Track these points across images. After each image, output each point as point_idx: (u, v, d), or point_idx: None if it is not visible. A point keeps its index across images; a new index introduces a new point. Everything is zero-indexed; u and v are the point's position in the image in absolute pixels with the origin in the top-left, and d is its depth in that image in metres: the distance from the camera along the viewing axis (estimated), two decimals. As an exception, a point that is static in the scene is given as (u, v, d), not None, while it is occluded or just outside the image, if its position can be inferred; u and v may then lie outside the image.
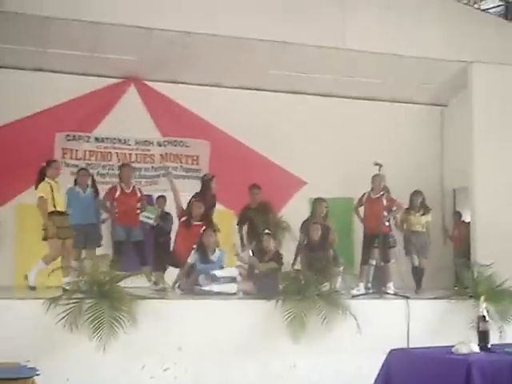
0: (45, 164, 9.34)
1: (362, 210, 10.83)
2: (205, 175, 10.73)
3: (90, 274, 7.43)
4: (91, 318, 6.91)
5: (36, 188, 9.07)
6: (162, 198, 11.00)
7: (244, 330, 7.66)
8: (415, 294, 10.09)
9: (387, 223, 10.22)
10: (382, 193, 10.24)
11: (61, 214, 9.03)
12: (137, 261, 9.87)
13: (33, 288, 8.55)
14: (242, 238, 10.59)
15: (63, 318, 6.88)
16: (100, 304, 7.01)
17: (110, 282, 7.34)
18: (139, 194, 10.26)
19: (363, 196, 10.64)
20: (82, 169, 10.67)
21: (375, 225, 10.03)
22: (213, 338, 7.50)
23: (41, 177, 9.13)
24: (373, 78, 12.35)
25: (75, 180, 10.20)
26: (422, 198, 10.95)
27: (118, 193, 10.07)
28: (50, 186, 8.97)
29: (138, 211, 10.26)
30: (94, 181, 10.40)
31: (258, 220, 10.27)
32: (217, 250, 9.24)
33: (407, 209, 10.92)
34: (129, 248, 9.98)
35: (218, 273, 8.75)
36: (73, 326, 6.87)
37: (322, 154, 12.29)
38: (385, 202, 10.13)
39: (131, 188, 10.21)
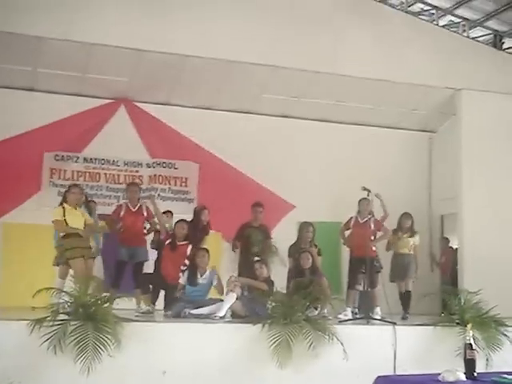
0: (67, 188, 9.45)
1: (347, 233, 10.84)
2: (196, 207, 10.67)
3: (75, 296, 7.37)
4: (76, 341, 6.84)
5: None
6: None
7: (230, 354, 7.60)
8: (402, 319, 10.04)
9: (374, 247, 10.22)
10: (369, 217, 10.25)
11: (76, 235, 8.88)
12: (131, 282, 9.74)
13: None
14: (234, 245, 10.52)
15: (47, 339, 6.81)
16: (85, 326, 6.95)
17: (95, 304, 7.28)
18: (146, 214, 9.98)
19: (350, 220, 10.64)
20: (74, 185, 10.39)
21: (362, 249, 10.03)
22: (198, 362, 7.43)
23: (62, 200, 9.18)
24: (363, 103, 12.44)
25: (64, 197, 9.83)
26: (411, 221, 10.92)
27: (123, 212, 9.86)
28: (63, 210, 8.94)
29: (145, 231, 10.11)
30: (87, 198, 10.24)
31: (255, 240, 10.26)
32: (207, 271, 9.19)
33: (395, 230, 10.88)
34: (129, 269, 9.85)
35: (194, 311, 8.65)
36: (57, 349, 6.79)
37: (312, 178, 12.32)
38: (372, 226, 10.14)
39: (137, 207, 9.96)
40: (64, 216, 8.91)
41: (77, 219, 9.00)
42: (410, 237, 10.85)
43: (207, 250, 9.39)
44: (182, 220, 9.82)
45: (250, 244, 10.24)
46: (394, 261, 10.88)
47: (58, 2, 9.76)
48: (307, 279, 9.35)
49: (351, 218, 10.64)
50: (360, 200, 10.33)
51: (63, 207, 9.00)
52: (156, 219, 10.05)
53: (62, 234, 8.93)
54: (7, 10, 9.53)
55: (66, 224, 8.86)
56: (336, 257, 12.10)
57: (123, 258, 9.67)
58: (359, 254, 10.18)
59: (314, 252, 10.07)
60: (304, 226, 10.35)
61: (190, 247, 9.56)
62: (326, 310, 9.35)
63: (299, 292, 8.47)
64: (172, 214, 10.65)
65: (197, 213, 10.22)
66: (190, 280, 9.07)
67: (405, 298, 10.62)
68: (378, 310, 9.97)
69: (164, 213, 10.56)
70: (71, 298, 7.34)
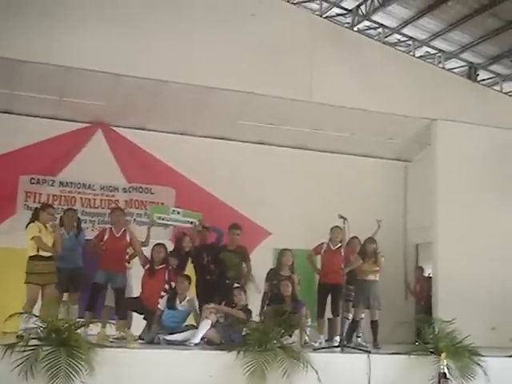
0: (39, 207, 9.35)
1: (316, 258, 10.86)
2: (177, 234, 10.60)
3: (48, 321, 7.28)
4: (48, 366, 6.75)
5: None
6: None
7: (204, 381, 7.55)
8: (373, 347, 10.00)
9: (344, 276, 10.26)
10: (339, 244, 10.29)
11: (43, 258, 8.83)
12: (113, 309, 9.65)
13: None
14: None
15: (19, 365, 6.71)
16: (57, 352, 6.86)
17: (68, 329, 7.19)
18: (128, 240, 9.78)
19: (321, 245, 10.67)
20: (70, 209, 10.39)
21: (333, 276, 10.11)
22: (171, 389, 7.37)
23: (32, 219, 9.05)
24: (339, 131, 12.54)
25: (61, 220, 9.79)
26: (375, 245, 10.74)
27: (106, 236, 9.72)
28: (39, 229, 8.86)
29: (127, 257, 9.95)
30: (79, 222, 10.08)
31: (231, 263, 10.13)
32: (187, 298, 9.14)
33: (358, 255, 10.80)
34: (106, 293, 9.74)
35: (169, 337, 8.59)
36: (28, 374, 6.70)
37: (288, 204, 12.36)
38: (343, 253, 10.19)
39: (121, 232, 9.80)
40: (40, 233, 8.81)
41: (48, 238, 8.91)
42: (375, 262, 10.69)
43: (188, 277, 9.35)
44: (158, 244, 9.76)
45: (226, 268, 10.13)
46: (358, 287, 10.70)
47: (36, 26, 9.74)
48: (285, 306, 9.31)
49: (322, 243, 10.68)
50: (332, 228, 10.38)
51: (39, 226, 8.89)
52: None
53: (30, 255, 8.80)
54: (-16, 33, 9.53)
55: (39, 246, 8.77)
56: (310, 284, 12.07)
57: (99, 280, 9.52)
58: (330, 280, 10.24)
59: (295, 279, 10.04)
60: (283, 253, 10.30)
61: (167, 270, 9.51)
62: (306, 338, 9.32)
63: (275, 319, 8.44)
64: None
65: (178, 240, 10.18)
66: (169, 304, 9.03)
67: (372, 327, 10.53)
68: (336, 338, 9.91)
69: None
70: (43, 323, 7.25)
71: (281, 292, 9.64)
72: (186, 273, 9.84)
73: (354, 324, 10.59)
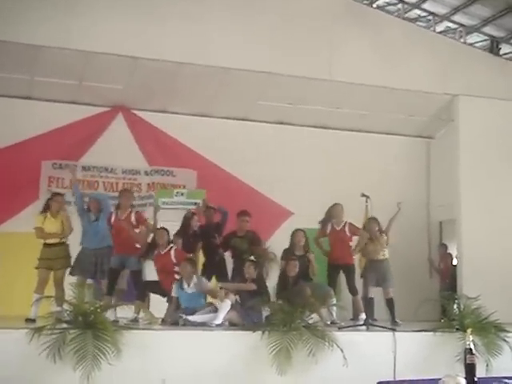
0: (50, 197, 9.74)
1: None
2: (186, 213, 10.60)
3: (74, 304, 7.35)
4: (75, 349, 6.83)
5: None
6: None
7: (229, 362, 7.59)
8: (392, 325, 9.88)
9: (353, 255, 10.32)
10: (344, 223, 10.32)
11: (51, 245, 9.30)
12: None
13: (32, 320, 8.39)
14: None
15: (47, 348, 6.79)
16: (84, 334, 6.94)
17: (94, 313, 7.26)
18: (134, 220, 9.77)
19: (324, 227, 10.59)
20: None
21: (341, 256, 10.18)
22: (197, 370, 7.42)
23: (44, 209, 9.54)
24: (360, 109, 12.44)
25: (88, 205, 9.99)
26: (378, 224, 10.57)
27: (112, 219, 9.76)
28: (44, 218, 9.35)
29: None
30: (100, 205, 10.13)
31: (243, 249, 10.13)
32: (194, 280, 9.14)
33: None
34: (124, 277, 9.78)
35: (191, 317, 8.62)
36: (56, 357, 6.79)
37: (309, 184, 12.30)
38: (347, 232, 10.20)
39: (126, 214, 9.79)
40: (43, 224, 9.32)
41: (54, 227, 9.34)
42: (380, 242, 10.51)
43: (191, 260, 9.35)
44: (160, 228, 9.71)
45: (238, 254, 10.12)
46: (368, 267, 10.26)
47: (55, 11, 9.76)
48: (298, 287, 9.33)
49: (326, 224, 10.59)
50: (333, 206, 10.41)
51: (45, 215, 9.38)
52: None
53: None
54: (3, 19, 9.54)
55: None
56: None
57: (113, 265, 9.56)
58: (338, 261, 10.30)
59: (312, 257, 10.03)
60: (295, 233, 10.25)
61: (172, 251, 9.50)
62: (334, 317, 9.32)
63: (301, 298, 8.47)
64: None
65: (185, 219, 10.18)
66: (178, 291, 9.07)
67: (388, 305, 10.46)
68: (362, 315, 9.88)
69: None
70: (70, 306, 7.33)
71: (287, 272, 9.61)
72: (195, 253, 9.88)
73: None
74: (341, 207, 10.19)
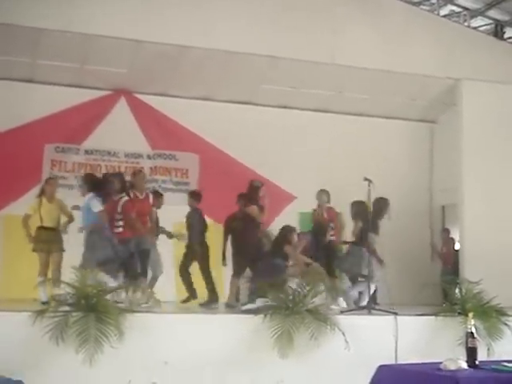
0: (44, 181, 9.74)
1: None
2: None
3: (77, 287, 7.37)
4: (78, 331, 6.85)
5: None
6: None
7: (231, 345, 7.61)
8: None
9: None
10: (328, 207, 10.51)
11: (47, 229, 9.29)
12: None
13: (45, 303, 8.38)
14: (224, 251, 10.24)
15: (49, 330, 6.82)
16: (87, 317, 6.95)
17: (97, 295, 7.28)
18: (151, 200, 9.77)
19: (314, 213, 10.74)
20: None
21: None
22: (199, 353, 7.44)
23: (40, 193, 9.48)
24: (362, 93, 12.43)
25: None
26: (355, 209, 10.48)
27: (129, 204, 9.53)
28: (39, 203, 9.32)
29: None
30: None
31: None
32: None
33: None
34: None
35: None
36: (59, 339, 6.80)
37: (312, 168, 12.31)
38: (325, 215, 10.40)
39: (144, 194, 9.69)
40: (39, 209, 9.30)
41: (51, 212, 9.34)
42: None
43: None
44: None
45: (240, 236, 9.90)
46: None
47: (56, -6, 9.75)
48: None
49: (314, 210, 10.76)
50: (318, 192, 10.55)
51: (40, 200, 9.35)
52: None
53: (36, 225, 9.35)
54: (5, 2, 9.51)
55: (41, 219, 9.26)
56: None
57: (132, 250, 9.33)
58: None
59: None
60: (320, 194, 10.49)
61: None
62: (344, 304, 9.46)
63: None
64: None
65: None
66: None
67: None
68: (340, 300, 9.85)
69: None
70: (73, 289, 7.35)
71: None
72: None
73: None
74: (326, 192, 10.56)
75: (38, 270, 9.09)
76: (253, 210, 9.53)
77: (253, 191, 9.77)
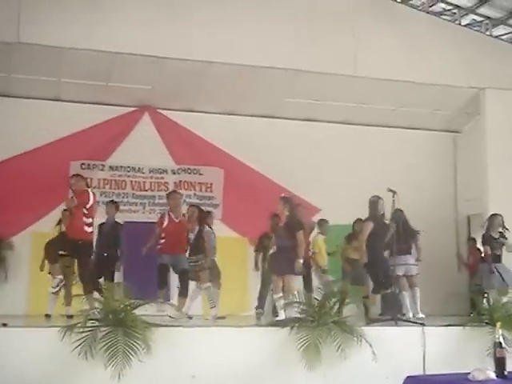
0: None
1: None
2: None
3: (104, 302, 7.43)
4: (106, 346, 6.90)
5: None
6: None
7: (258, 357, 7.60)
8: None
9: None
10: None
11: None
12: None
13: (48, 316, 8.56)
14: (256, 264, 10.58)
15: (78, 345, 6.87)
16: (115, 332, 7.00)
17: (124, 310, 7.33)
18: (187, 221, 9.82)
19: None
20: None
21: None
22: (227, 366, 7.44)
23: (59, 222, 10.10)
24: (385, 104, 12.43)
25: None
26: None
27: (165, 222, 9.69)
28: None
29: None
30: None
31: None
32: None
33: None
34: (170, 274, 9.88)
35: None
36: (88, 354, 6.84)
37: (336, 180, 12.32)
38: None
39: (180, 217, 9.78)
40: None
41: None
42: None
43: None
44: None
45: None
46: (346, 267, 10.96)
47: (81, 13, 9.87)
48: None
49: None
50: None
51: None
52: None
53: None
54: (30, 22, 9.65)
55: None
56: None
57: (164, 261, 9.54)
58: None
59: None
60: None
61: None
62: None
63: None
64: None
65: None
66: None
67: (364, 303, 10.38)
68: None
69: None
70: (100, 304, 7.41)
71: None
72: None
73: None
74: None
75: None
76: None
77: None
